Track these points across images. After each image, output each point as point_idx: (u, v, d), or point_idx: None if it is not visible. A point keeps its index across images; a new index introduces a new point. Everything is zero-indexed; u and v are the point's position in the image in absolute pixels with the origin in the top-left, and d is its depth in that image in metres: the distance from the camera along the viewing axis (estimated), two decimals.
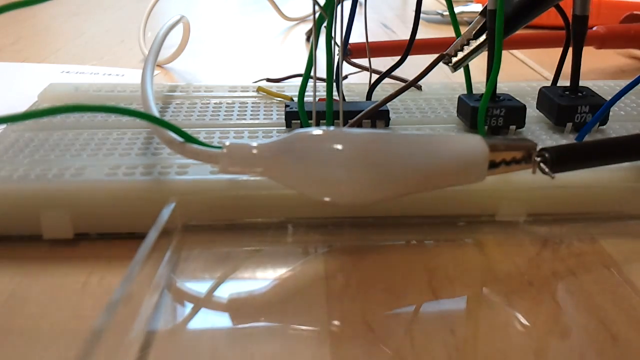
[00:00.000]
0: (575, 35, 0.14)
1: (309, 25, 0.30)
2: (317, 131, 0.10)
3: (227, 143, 0.10)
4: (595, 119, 0.13)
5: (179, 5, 0.37)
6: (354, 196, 0.10)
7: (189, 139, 0.10)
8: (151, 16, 0.25)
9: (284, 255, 0.11)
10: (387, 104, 0.14)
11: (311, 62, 0.12)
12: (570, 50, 0.15)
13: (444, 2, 0.34)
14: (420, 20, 0.14)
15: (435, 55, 0.13)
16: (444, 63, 0.13)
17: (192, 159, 0.10)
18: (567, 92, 0.14)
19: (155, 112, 0.12)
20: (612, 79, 0.18)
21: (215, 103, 0.16)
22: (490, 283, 0.10)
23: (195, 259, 0.11)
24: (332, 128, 0.10)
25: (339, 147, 0.09)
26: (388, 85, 0.16)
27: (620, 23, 0.24)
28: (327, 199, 0.10)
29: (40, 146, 0.13)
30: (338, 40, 0.13)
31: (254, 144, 0.10)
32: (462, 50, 0.13)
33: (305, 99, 0.13)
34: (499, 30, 0.12)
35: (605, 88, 0.17)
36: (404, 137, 0.10)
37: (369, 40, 0.15)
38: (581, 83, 0.14)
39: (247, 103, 0.16)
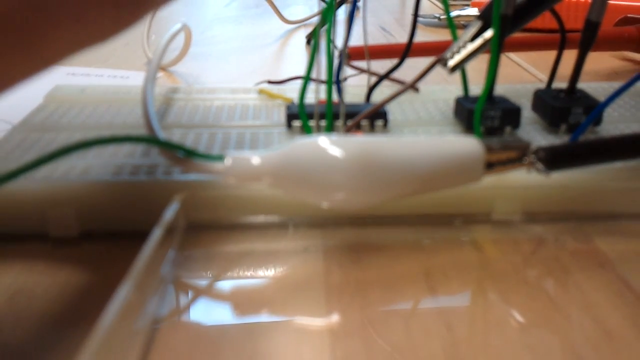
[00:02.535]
0: (585, 40, 0.14)
1: (309, 28, 0.30)
2: (316, 139, 0.10)
3: (230, 157, 0.10)
4: (589, 120, 0.13)
5: (182, 9, 0.37)
6: (353, 202, 0.10)
7: (190, 153, 0.10)
8: (154, 19, 0.25)
9: (284, 253, 0.11)
10: (386, 106, 0.14)
11: (312, 64, 0.12)
12: (567, 52, 0.15)
13: (441, 6, 0.34)
14: (418, 24, 0.15)
15: (433, 58, 0.13)
16: (441, 66, 0.13)
17: (195, 172, 0.10)
18: (561, 94, 0.15)
19: (159, 132, 0.12)
20: (606, 81, 0.18)
21: (217, 105, 0.16)
22: (486, 281, 0.10)
23: (198, 257, 0.11)
24: (331, 136, 0.10)
25: (338, 154, 0.09)
26: (386, 88, 0.17)
27: (614, 26, 0.24)
28: (328, 205, 0.10)
29: (46, 146, 0.13)
30: (338, 44, 0.13)
31: (256, 156, 0.10)
32: (458, 53, 0.13)
33: (306, 100, 0.13)
34: (495, 33, 0.12)
35: (599, 90, 0.17)
36: (402, 142, 0.10)
37: (368, 43, 0.15)
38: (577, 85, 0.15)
39: (249, 105, 0.16)
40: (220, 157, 0.10)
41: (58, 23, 0.07)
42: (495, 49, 0.12)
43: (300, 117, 0.13)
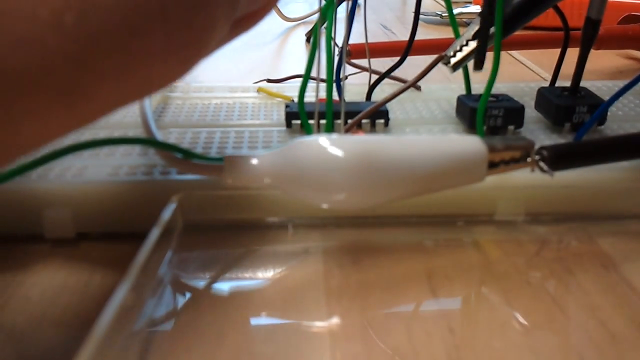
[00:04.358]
0: (586, 38, 0.14)
1: (309, 26, 0.30)
2: (316, 139, 0.10)
3: (228, 158, 0.10)
4: (593, 119, 0.13)
5: None
6: (355, 202, 0.10)
7: (188, 154, 0.10)
8: None
9: (284, 254, 0.11)
10: (387, 104, 0.14)
11: (312, 62, 0.12)
12: (570, 50, 0.15)
13: (443, 4, 0.34)
14: (420, 22, 0.15)
15: (434, 56, 0.13)
16: (443, 64, 0.13)
17: (194, 174, 0.10)
18: (565, 93, 0.14)
19: (156, 133, 0.12)
20: (610, 80, 0.18)
21: (216, 103, 0.16)
22: (489, 282, 0.10)
23: (196, 258, 0.11)
24: (331, 135, 0.10)
25: (338, 154, 0.09)
26: (387, 86, 0.16)
27: (618, 24, 0.24)
28: (329, 205, 0.10)
29: None
30: (339, 42, 0.13)
31: (255, 156, 0.10)
32: (460, 51, 0.13)
33: (306, 99, 0.13)
34: (497, 31, 0.12)
35: (603, 88, 0.17)
36: (403, 141, 0.10)
37: (369, 41, 0.15)
38: (580, 83, 0.14)
39: (248, 104, 0.16)
40: (218, 159, 0.10)
41: (102, 80, 0.07)
42: (497, 46, 0.12)
43: (300, 116, 0.13)
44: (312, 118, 0.13)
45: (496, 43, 0.12)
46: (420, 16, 0.14)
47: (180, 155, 0.10)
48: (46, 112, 0.06)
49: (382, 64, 0.17)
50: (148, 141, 0.11)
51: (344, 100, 0.14)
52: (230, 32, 0.09)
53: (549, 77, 0.18)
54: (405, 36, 0.15)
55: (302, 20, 0.32)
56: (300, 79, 0.13)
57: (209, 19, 0.08)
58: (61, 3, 0.06)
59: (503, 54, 0.12)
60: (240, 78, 0.22)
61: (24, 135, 0.07)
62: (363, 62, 0.16)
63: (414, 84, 0.14)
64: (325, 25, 0.12)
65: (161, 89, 0.08)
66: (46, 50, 0.06)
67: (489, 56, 0.12)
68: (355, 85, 0.17)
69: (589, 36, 0.14)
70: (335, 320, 0.09)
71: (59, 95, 0.06)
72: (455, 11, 0.30)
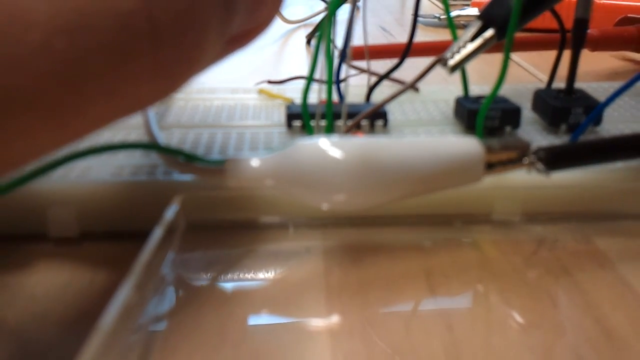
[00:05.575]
0: (576, 38, 0.14)
1: (309, 28, 0.30)
2: (316, 141, 0.10)
3: (230, 161, 0.10)
4: (589, 120, 0.13)
5: None
6: (354, 203, 0.10)
7: (190, 157, 0.10)
8: None
9: (284, 253, 0.11)
10: (385, 106, 0.14)
11: (315, 63, 0.12)
12: (567, 52, 0.15)
13: (441, 6, 0.34)
14: (418, 24, 0.15)
15: (433, 58, 0.13)
16: (441, 65, 0.13)
17: (196, 176, 0.10)
18: (561, 94, 0.15)
19: (158, 136, 0.12)
20: (606, 81, 0.18)
21: (217, 104, 0.16)
22: (487, 281, 0.10)
23: (198, 257, 0.11)
24: (332, 137, 0.10)
25: (338, 156, 0.09)
26: (386, 87, 0.16)
27: (614, 26, 0.24)
28: (329, 206, 0.10)
29: None
30: (338, 44, 0.13)
31: (257, 158, 0.10)
32: (458, 52, 0.13)
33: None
34: (509, 36, 0.12)
35: (599, 90, 0.17)
36: (403, 142, 0.10)
37: (368, 43, 0.15)
38: (575, 85, 0.15)
39: (249, 105, 0.16)
40: (220, 161, 0.10)
41: (92, 99, 0.07)
42: (507, 51, 0.12)
43: (303, 117, 0.13)
44: (312, 119, 0.13)
45: (506, 48, 0.12)
46: (419, 18, 0.15)
47: (182, 158, 0.10)
48: (37, 131, 0.07)
49: (381, 65, 0.17)
50: (150, 146, 0.11)
51: (345, 101, 0.14)
52: (226, 48, 0.09)
53: (545, 78, 0.18)
54: (403, 38, 0.15)
55: (303, 23, 0.32)
56: (300, 80, 0.13)
57: (199, 38, 0.08)
58: (51, 26, 0.06)
59: (500, 56, 0.12)
60: (242, 79, 0.22)
61: (15, 152, 0.07)
62: (362, 63, 0.16)
63: (412, 86, 0.14)
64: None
65: (151, 105, 0.08)
66: (36, 72, 0.06)
67: (490, 59, 0.12)
68: (354, 87, 0.17)
69: (579, 36, 0.14)
70: (335, 319, 0.09)
71: (49, 116, 0.06)
72: (453, 14, 0.30)
